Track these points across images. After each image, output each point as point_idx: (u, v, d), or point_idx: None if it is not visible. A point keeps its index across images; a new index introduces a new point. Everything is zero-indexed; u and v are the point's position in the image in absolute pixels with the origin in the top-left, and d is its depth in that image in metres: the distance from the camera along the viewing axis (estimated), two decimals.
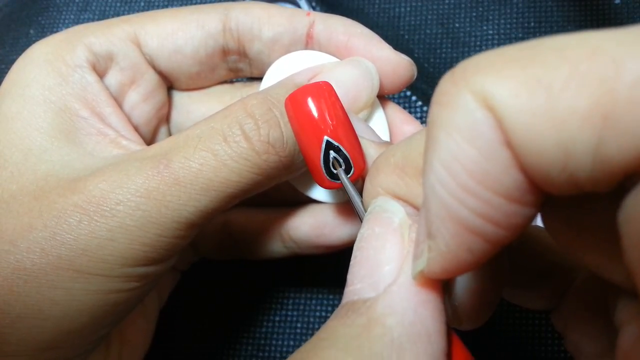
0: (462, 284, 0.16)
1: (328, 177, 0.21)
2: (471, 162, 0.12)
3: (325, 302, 0.32)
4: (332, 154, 0.20)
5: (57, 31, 0.41)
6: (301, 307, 0.32)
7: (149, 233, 0.20)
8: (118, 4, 0.40)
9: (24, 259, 0.19)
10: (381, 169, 0.17)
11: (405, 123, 0.26)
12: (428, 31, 0.36)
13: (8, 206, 0.20)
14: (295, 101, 0.21)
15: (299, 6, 0.36)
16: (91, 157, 0.22)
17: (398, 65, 0.25)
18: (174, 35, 0.25)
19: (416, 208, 0.16)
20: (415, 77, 0.25)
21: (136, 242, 0.20)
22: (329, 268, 0.32)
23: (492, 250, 0.13)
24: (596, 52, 0.11)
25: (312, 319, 0.31)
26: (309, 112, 0.20)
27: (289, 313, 0.32)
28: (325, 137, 0.20)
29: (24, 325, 0.19)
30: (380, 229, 0.16)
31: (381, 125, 0.25)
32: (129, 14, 0.40)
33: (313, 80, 0.23)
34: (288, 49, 0.26)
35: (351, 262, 0.16)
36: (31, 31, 0.41)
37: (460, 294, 0.16)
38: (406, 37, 0.36)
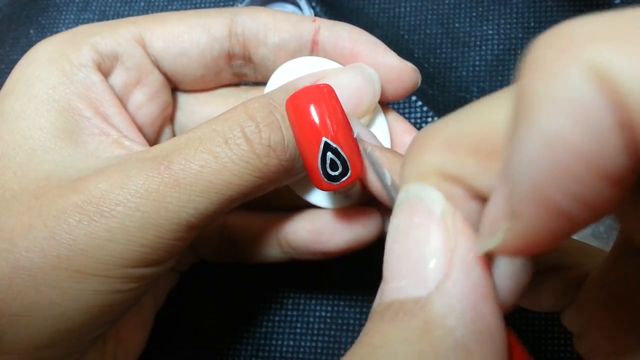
0: (502, 270, 0.15)
1: (325, 179, 0.21)
2: (576, 143, 0.11)
3: (325, 302, 0.32)
4: (329, 155, 0.20)
5: (57, 31, 0.41)
6: (301, 307, 0.32)
7: (148, 234, 0.20)
8: (118, 4, 0.40)
9: (22, 258, 0.19)
10: (428, 146, 0.15)
11: (407, 133, 0.26)
12: (428, 31, 0.36)
13: (8, 205, 0.20)
14: (295, 102, 0.21)
15: (299, 6, 0.36)
16: (94, 157, 0.22)
17: (402, 72, 0.25)
18: (180, 37, 0.25)
19: (468, 189, 0.15)
20: (419, 84, 0.25)
21: (135, 243, 0.20)
22: (329, 268, 0.32)
23: (574, 232, 0.12)
24: None
25: (312, 319, 0.31)
26: (309, 113, 0.20)
27: (289, 313, 0.32)
28: (324, 139, 0.20)
29: (21, 324, 0.19)
30: (420, 219, 0.15)
31: (382, 132, 0.25)
32: (129, 14, 0.40)
33: None
34: (293, 55, 0.26)
35: (387, 257, 0.15)
36: (31, 31, 0.41)
37: (499, 281, 0.16)
38: (406, 37, 0.36)
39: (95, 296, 0.20)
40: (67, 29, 0.41)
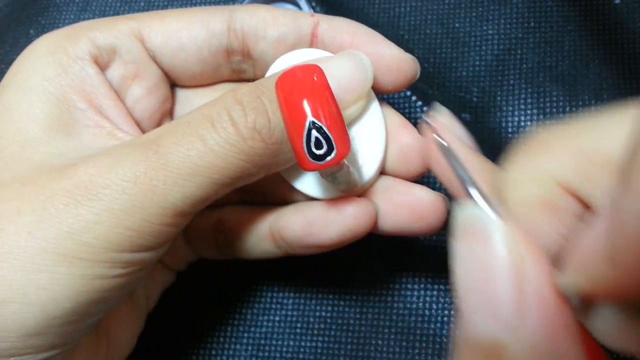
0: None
1: (310, 158, 0.21)
2: None
3: (325, 302, 0.32)
4: (314, 134, 0.20)
5: None
6: (301, 307, 0.32)
7: (134, 217, 0.20)
8: (118, 4, 0.40)
9: (10, 242, 0.19)
10: (553, 148, 0.14)
11: (402, 127, 0.25)
12: (428, 31, 0.36)
13: None
14: (283, 81, 0.21)
15: (299, 6, 0.36)
16: (87, 148, 0.22)
17: (403, 62, 0.25)
18: (178, 33, 0.25)
19: (586, 206, 0.14)
20: (418, 74, 0.25)
21: (121, 226, 0.20)
22: (329, 268, 0.32)
23: None
24: None
25: (312, 319, 0.31)
26: (295, 91, 0.20)
27: (289, 313, 0.32)
28: (309, 117, 0.20)
29: (9, 310, 0.19)
30: (480, 247, 0.13)
31: (377, 119, 0.25)
32: (129, 13, 0.40)
33: None
34: (292, 49, 0.26)
35: (457, 283, 0.14)
36: (31, 31, 0.41)
37: None
38: (406, 37, 0.36)
39: (82, 281, 0.20)
40: None
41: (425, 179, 0.33)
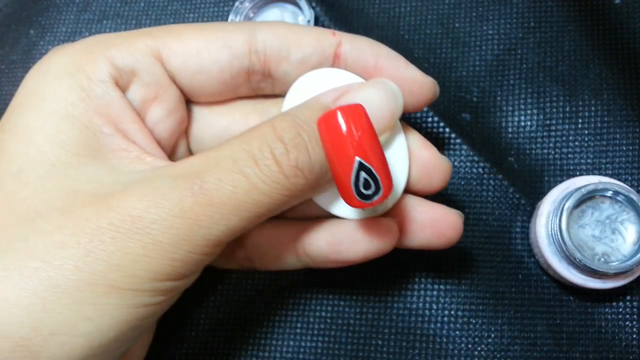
0: None
1: (358, 198, 0.21)
2: None
3: (325, 302, 0.32)
4: (363, 175, 0.21)
5: (57, 31, 0.41)
6: (301, 307, 0.32)
7: (180, 249, 0.20)
8: (118, 4, 0.40)
9: (57, 276, 0.19)
10: None
11: (423, 148, 0.26)
12: (428, 31, 0.36)
13: (34, 224, 0.20)
14: (328, 122, 0.21)
15: (298, 6, 0.36)
16: (119, 174, 0.22)
17: (424, 85, 0.25)
18: (199, 54, 0.24)
19: None
20: (437, 96, 0.26)
21: (168, 258, 0.20)
22: (329, 268, 0.32)
23: None
24: None
25: (312, 319, 0.31)
26: (342, 134, 0.21)
27: (289, 313, 0.32)
28: (358, 159, 0.21)
29: (56, 342, 0.19)
30: None
31: (401, 149, 0.25)
32: (129, 14, 0.40)
33: (339, 101, 0.24)
34: (315, 69, 0.26)
35: None
36: (31, 31, 0.41)
37: None
38: (406, 37, 0.36)
39: (127, 310, 0.20)
40: (67, 29, 0.41)
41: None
